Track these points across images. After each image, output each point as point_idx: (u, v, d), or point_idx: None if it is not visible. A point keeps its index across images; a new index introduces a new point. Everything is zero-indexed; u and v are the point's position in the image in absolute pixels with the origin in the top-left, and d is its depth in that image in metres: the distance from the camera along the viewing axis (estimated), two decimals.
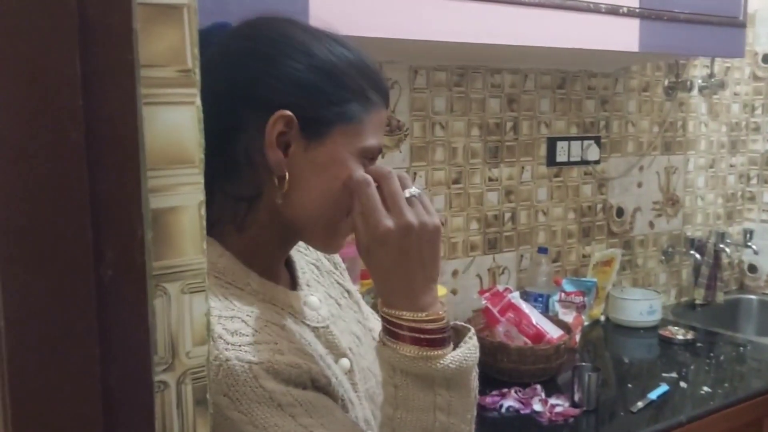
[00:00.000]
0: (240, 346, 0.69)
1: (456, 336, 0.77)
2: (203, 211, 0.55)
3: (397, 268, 0.72)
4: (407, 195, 0.73)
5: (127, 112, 0.48)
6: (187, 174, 0.54)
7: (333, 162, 0.75)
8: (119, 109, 0.48)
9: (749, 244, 2.59)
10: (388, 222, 0.71)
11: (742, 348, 2.04)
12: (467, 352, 0.75)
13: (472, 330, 0.78)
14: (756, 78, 2.62)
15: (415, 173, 1.85)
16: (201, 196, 0.55)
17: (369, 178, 0.73)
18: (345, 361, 0.82)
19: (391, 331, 0.73)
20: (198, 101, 0.54)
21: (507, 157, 2.02)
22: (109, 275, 0.49)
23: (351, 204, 0.74)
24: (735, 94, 2.59)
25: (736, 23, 1.88)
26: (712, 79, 2.44)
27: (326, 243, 0.80)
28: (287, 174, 0.73)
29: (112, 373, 0.49)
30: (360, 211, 0.73)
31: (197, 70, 0.53)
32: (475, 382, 0.77)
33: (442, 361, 0.72)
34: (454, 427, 0.73)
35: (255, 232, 0.77)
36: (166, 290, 0.53)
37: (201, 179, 0.54)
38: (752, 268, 2.69)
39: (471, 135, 1.94)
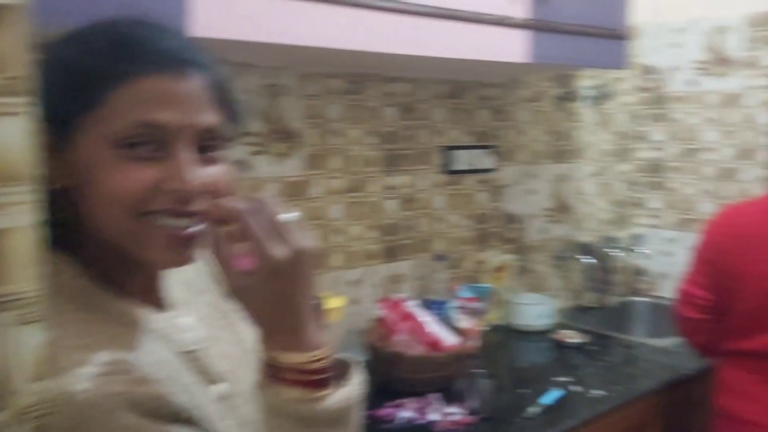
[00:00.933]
0: (96, 376, 0.63)
1: (341, 370, 0.74)
2: (40, 233, 0.50)
3: (287, 301, 0.67)
4: (286, 221, 0.67)
5: None
6: (17, 192, 0.48)
7: (87, 162, 0.67)
8: None
9: (638, 248, 2.70)
10: (281, 250, 0.65)
11: (633, 350, 2.12)
12: (352, 390, 0.72)
13: (359, 364, 0.75)
14: (641, 89, 2.74)
15: (310, 182, 1.82)
16: (36, 217, 0.49)
17: (248, 205, 0.66)
18: (219, 387, 0.77)
19: (273, 373, 0.69)
20: (32, 111, 0.49)
21: (404, 165, 2.02)
22: None
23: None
24: (622, 104, 2.70)
25: (619, 36, 1.95)
26: (600, 90, 2.53)
27: (147, 254, 0.70)
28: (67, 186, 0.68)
29: None
30: (224, 248, 0.67)
31: (29, 78, 0.48)
32: (357, 415, 0.74)
33: (325, 402, 0.69)
34: None
35: (91, 252, 0.71)
36: None
37: (35, 197, 0.49)
38: (641, 271, 2.81)
39: (367, 143, 1.93)
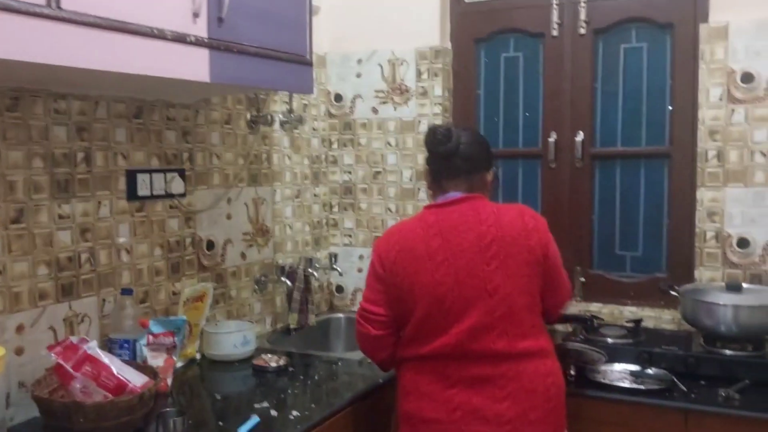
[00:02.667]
0: None
1: None
2: None
3: None
4: None
5: None
6: None
7: None
8: None
9: (335, 266, 2.80)
10: None
11: (334, 365, 2.16)
12: None
13: None
14: (331, 115, 2.87)
15: None
16: None
17: None
18: None
19: None
20: None
21: (80, 192, 1.82)
22: None
23: None
24: (314, 129, 2.79)
25: (303, 61, 2.00)
26: (292, 115, 2.58)
27: None
28: None
29: None
30: None
31: None
32: None
33: None
34: None
35: None
36: None
37: None
38: (339, 289, 2.92)
39: (33, 167, 1.70)
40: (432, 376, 1.68)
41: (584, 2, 2.50)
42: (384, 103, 2.77)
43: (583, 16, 2.51)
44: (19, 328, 1.68)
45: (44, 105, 1.73)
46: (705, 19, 2.32)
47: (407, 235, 1.72)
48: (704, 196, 2.34)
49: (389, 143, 2.77)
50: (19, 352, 1.67)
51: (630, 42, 2.50)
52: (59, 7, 1.31)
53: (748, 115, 2.26)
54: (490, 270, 1.64)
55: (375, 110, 2.79)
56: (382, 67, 2.76)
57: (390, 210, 2.79)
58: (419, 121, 2.71)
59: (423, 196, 2.71)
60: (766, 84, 2.22)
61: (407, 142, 2.74)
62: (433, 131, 1.79)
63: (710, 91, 2.30)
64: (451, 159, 1.74)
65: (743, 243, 2.29)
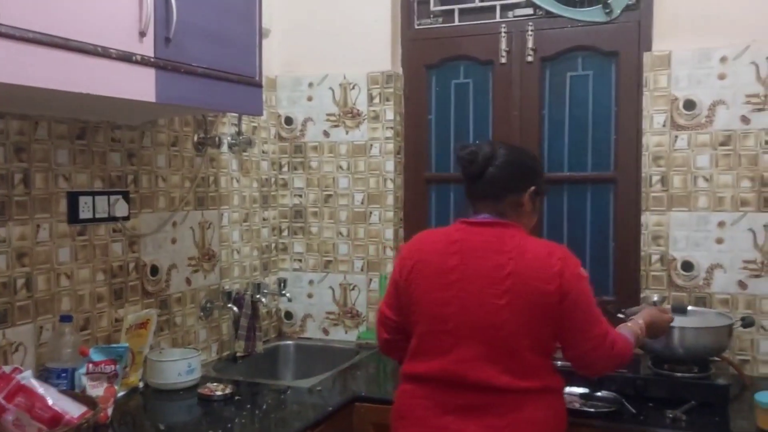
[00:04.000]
0: None
1: None
2: None
3: None
4: None
5: None
6: None
7: None
8: None
9: (284, 292, 2.75)
10: None
11: (282, 394, 2.11)
12: None
13: None
14: (281, 138, 2.84)
15: None
16: None
17: None
18: None
19: None
20: None
21: (17, 215, 1.74)
22: None
23: None
24: (263, 152, 2.75)
25: (253, 83, 1.98)
26: (241, 137, 2.55)
27: None
28: None
29: None
30: None
31: None
32: None
33: None
34: None
35: None
36: None
37: None
38: (288, 315, 2.87)
39: None
40: (428, 402, 1.62)
41: (532, 31, 2.55)
42: (335, 126, 2.76)
43: (530, 44, 2.55)
44: None
45: None
46: (648, 48, 2.39)
47: (428, 247, 1.69)
48: (649, 220, 2.39)
49: (341, 167, 2.76)
50: None
51: (576, 70, 2.56)
52: None
53: (691, 141, 2.32)
54: (500, 304, 1.56)
55: (326, 133, 2.77)
56: (333, 90, 2.75)
57: (341, 234, 2.76)
58: (371, 145, 2.70)
59: (375, 220, 2.70)
60: (708, 111, 2.30)
61: (359, 165, 2.73)
62: (460, 149, 1.71)
63: (654, 117, 2.37)
64: (476, 182, 1.68)
65: (687, 266, 2.34)
